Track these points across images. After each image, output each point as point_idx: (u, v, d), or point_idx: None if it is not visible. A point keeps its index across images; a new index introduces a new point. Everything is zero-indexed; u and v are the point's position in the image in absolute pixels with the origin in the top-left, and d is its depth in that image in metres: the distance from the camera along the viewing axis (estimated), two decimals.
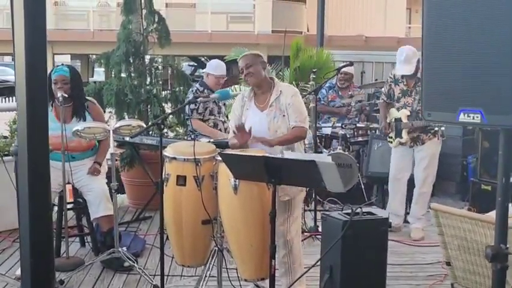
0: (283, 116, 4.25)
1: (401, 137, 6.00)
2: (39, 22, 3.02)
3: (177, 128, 7.53)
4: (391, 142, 6.16)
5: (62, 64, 5.45)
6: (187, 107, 6.25)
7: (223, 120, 6.41)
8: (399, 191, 6.16)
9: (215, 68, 6.40)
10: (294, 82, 8.88)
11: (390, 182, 6.22)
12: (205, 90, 6.16)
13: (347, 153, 6.87)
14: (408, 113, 5.96)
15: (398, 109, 6.06)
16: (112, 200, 5.02)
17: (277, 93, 4.31)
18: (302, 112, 4.31)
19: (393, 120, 6.10)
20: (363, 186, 7.05)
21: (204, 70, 6.65)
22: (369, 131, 7.33)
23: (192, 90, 6.45)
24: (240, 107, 4.45)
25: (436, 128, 5.85)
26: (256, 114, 4.35)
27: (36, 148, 3.09)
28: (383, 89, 6.36)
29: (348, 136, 7.22)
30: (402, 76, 5.98)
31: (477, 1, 2.31)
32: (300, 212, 4.49)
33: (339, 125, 7.35)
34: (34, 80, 3.02)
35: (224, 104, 6.66)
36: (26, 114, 3.00)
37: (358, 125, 7.40)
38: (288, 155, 3.87)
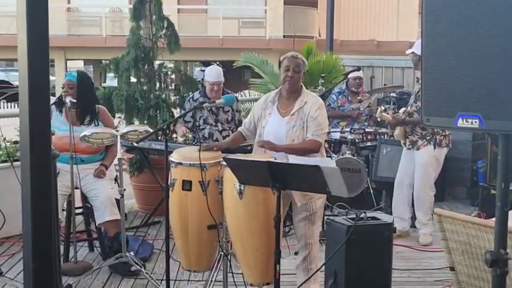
0: (303, 127, 4.24)
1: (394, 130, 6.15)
2: (41, 27, 3.04)
3: (186, 133, 7.55)
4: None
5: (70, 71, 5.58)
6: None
7: (220, 129, 6.30)
8: (401, 194, 6.17)
9: (208, 75, 6.30)
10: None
11: (395, 185, 6.24)
12: (201, 98, 6.13)
13: (356, 158, 6.87)
14: (383, 108, 6.18)
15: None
16: (117, 205, 5.08)
17: (301, 103, 4.29)
18: (322, 126, 4.28)
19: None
20: (372, 191, 7.04)
21: None
22: (378, 136, 7.33)
23: (188, 99, 6.51)
24: (260, 109, 4.44)
25: (430, 136, 5.88)
26: (276, 119, 4.34)
27: (38, 153, 3.12)
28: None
29: (357, 141, 7.21)
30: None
31: (476, 6, 2.31)
32: (321, 217, 4.51)
33: (348, 129, 7.35)
34: (36, 85, 3.06)
35: (227, 112, 6.52)
36: (29, 119, 3.04)
37: (367, 129, 7.39)
38: (293, 159, 3.89)
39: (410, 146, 5.99)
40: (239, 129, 4.67)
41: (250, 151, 4.59)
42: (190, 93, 7.15)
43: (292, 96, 4.35)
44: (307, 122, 4.23)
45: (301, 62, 4.34)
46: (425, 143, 5.90)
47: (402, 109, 6.13)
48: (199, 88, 7.32)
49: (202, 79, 6.73)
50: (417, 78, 6.10)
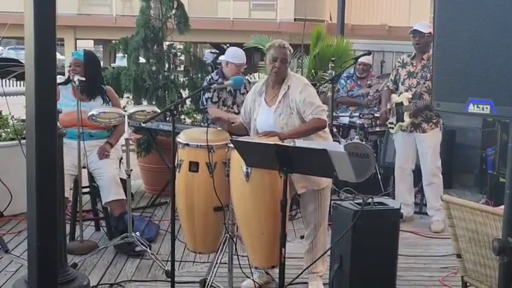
0: (292, 113, 4.21)
1: (403, 121, 5.99)
2: (48, 4, 3.02)
3: (194, 115, 7.54)
4: (392, 128, 6.16)
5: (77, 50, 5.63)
6: (203, 97, 6.16)
7: (236, 111, 6.09)
8: (404, 180, 6.16)
9: (234, 56, 6.12)
10: (313, 70, 8.86)
11: (396, 171, 6.21)
12: (220, 79, 6.02)
13: (364, 143, 6.83)
14: (410, 96, 5.95)
15: (399, 94, 6.07)
16: (122, 185, 5.08)
17: (285, 88, 4.25)
18: (316, 104, 4.22)
19: (393, 105, 6.10)
20: (379, 177, 7.01)
21: (222, 58, 6.41)
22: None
23: (207, 79, 6.32)
24: (252, 101, 4.43)
25: (436, 118, 5.88)
26: (265, 110, 4.34)
27: (44, 131, 3.10)
28: (390, 76, 6.36)
29: (366, 126, 7.17)
30: (412, 58, 6.02)
31: None
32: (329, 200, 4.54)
33: (357, 114, 7.31)
34: (43, 64, 3.03)
35: (243, 94, 6.47)
36: (35, 98, 3.02)
37: (376, 114, 7.34)
38: (300, 143, 3.85)
39: (412, 129, 5.94)
40: (240, 119, 4.64)
41: None
42: (199, 74, 7.13)
43: (277, 85, 4.32)
44: (297, 108, 4.19)
45: (288, 51, 4.28)
46: (432, 125, 5.88)
47: (407, 94, 6.01)
48: (208, 70, 7.28)
49: (212, 61, 6.69)
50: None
